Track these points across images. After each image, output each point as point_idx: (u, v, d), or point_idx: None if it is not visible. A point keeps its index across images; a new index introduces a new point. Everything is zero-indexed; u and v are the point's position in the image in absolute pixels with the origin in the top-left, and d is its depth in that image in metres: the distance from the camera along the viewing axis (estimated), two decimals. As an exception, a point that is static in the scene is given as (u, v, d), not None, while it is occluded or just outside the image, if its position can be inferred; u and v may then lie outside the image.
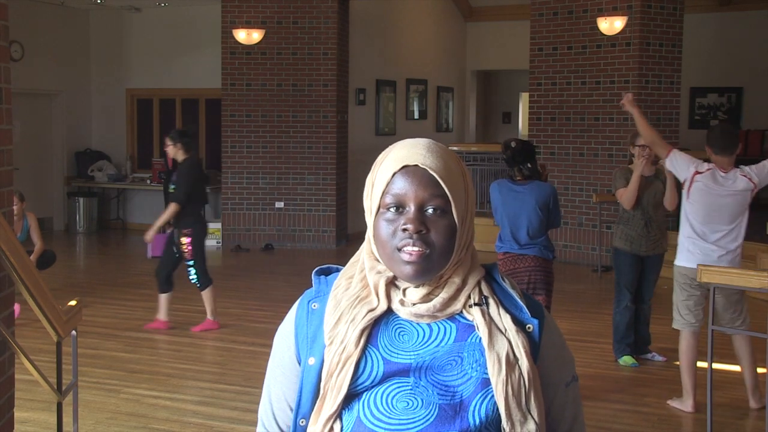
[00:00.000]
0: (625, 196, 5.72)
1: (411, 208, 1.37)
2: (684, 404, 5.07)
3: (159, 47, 12.66)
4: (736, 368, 5.27)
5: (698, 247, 4.92)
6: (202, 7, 12.10)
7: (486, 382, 1.36)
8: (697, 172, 4.93)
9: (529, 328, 1.42)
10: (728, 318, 4.98)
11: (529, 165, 5.04)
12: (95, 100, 13.10)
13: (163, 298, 6.78)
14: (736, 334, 5.02)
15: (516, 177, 5.07)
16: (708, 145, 5.00)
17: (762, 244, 8.12)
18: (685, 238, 4.99)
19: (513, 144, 5.11)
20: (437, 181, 1.37)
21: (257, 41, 10.99)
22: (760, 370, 5.09)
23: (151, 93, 12.88)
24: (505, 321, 1.40)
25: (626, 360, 5.91)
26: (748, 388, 5.04)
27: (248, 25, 10.98)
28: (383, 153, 1.44)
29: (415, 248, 1.36)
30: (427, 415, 1.35)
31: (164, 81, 12.68)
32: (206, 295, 6.78)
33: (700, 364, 5.15)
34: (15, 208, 6.55)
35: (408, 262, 1.36)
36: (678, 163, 5.05)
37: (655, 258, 5.90)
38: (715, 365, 4.63)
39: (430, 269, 1.38)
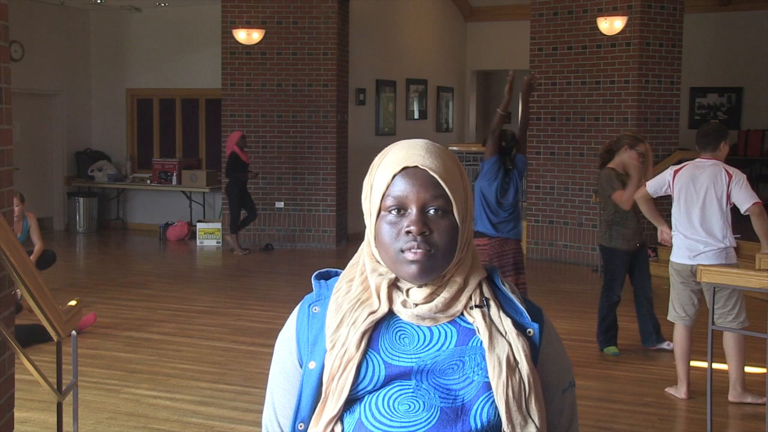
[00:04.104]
0: (625, 198, 5.90)
1: (413, 210, 1.37)
2: (678, 391, 5.29)
3: (159, 47, 12.66)
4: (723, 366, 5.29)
5: (684, 242, 5.12)
6: (202, 7, 12.10)
7: (488, 386, 1.36)
8: (676, 171, 5.20)
9: (529, 332, 1.42)
10: (718, 314, 5.04)
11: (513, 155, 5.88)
12: (95, 100, 13.10)
13: None
14: (736, 333, 5.03)
15: (509, 166, 5.81)
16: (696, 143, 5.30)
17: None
18: (675, 234, 5.22)
19: (516, 136, 5.89)
20: (437, 181, 1.37)
21: (257, 41, 10.99)
22: (754, 369, 5.13)
23: (151, 93, 12.88)
24: (505, 324, 1.40)
25: (611, 350, 6.23)
26: (731, 381, 5.13)
27: (248, 25, 10.98)
28: (380, 155, 1.44)
29: (419, 249, 1.36)
30: (428, 418, 1.34)
31: (164, 81, 12.68)
32: None
33: (701, 363, 5.19)
34: (15, 209, 6.56)
35: (412, 261, 1.36)
36: (654, 183, 5.38)
37: (644, 248, 6.28)
38: (716, 365, 4.64)
39: (433, 268, 1.38)
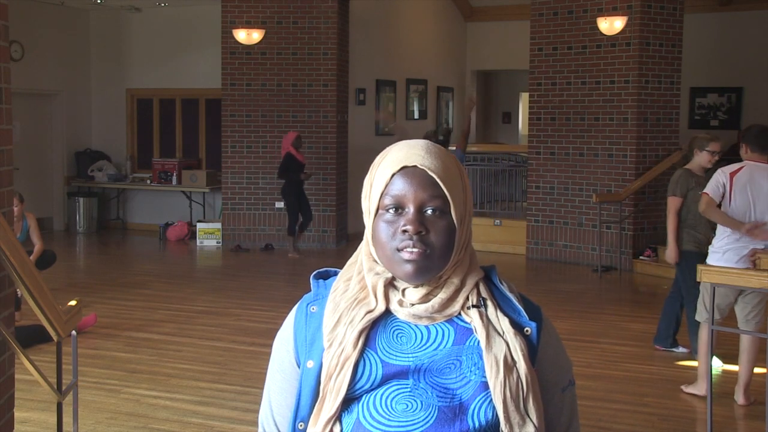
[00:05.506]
0: (670, 207, 5.81)
1: (410, 209, 1.37)
2: (698, 388, 5.25)
3: (159, 47, 12.67)
4: (737, 368, 5.28)
5: (741, 245, 4.99)
6: (202, 7, 12.10)
7: (485, 386, 1.36)
8: (732, 174, 5.02)
9: (527, 331, 1.41)
10: (744, 317, 5.06)
11: None
12: (95, 100, 13.10)
13: None
14: (736, 333, 5.04)
15: None
16: (744, 143, 5.12)
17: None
18: (727, 237, 5.05)
19: (441, 138, 6.34)
20: (436, 181, 1.37)
21: (257, 41, 10.99)
22: (757, 370, 5.13)
23: (151, 93, 12.89)
24: (503, 323, 1.40)
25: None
26: (741, 384, 5.11)
27: (248, 25, 10.98)
28: (381, 154, 1.44)
29: (415, 249, 1.36)
30: (426, 417, 1.34)
31: (164, 81, 12.69)
32: None
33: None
34: (15, 209, 6.56)
35: (408, 261, 1.36)
36: (714, 190, 5.07)
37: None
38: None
39: (429, 268, 1.37)
